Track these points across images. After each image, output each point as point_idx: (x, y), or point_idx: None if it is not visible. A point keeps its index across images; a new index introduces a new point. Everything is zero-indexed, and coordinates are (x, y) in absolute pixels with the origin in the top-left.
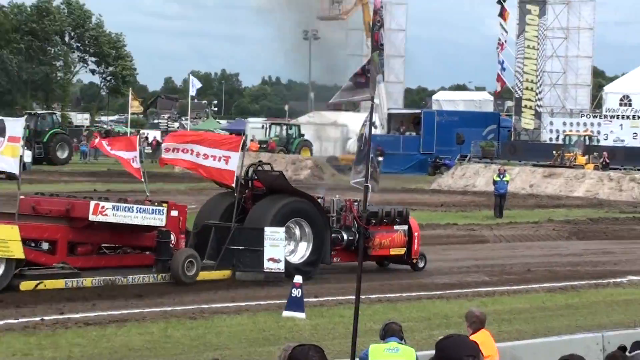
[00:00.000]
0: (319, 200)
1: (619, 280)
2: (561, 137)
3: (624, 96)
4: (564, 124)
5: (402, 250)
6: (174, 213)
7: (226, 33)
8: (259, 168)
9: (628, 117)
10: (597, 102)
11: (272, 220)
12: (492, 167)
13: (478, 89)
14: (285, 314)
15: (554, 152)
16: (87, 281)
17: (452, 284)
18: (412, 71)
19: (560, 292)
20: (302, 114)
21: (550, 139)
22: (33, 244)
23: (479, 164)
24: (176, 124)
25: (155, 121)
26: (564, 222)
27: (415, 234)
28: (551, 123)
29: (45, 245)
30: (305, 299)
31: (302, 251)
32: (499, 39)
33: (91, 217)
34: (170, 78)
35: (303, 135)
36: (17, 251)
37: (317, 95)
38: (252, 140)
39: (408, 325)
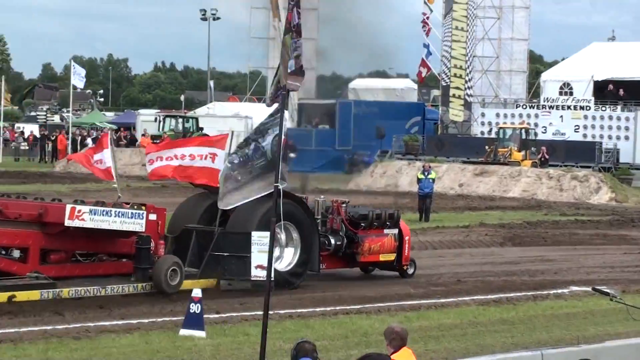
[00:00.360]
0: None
1: (559, 291)
2: (494, 130)
3: (564, 84)
4: (497, 115)
5: (392, 256)
6: (152, 217)
7: (113, 13)
8: None
9: (569, 107)
10: (534, 90)
11: (257, 223)
12: (417, 164)
13: (400, 76)
14: (183, 332)
15: (487, 147)
16: (65, 292)
17: (373, 297)
18: (326, 56)
19: (494, 305)
20: (200, 104)
21: (482, 133)
22: (3, 252)
23: (402, 160)
24: (56, 117)
25: (32, 113)
26: (498, 226)
27: (406, 238)
28: (483, 114)
29: (16, 253)
30: (205, 316)
31: (288, 258)
32: (424, 19)
33: (67, 222)
34: (50, 64)
35: (202, 128)
36: None
37: (217, 83)
38: (143, 135)
39: (322, 345)
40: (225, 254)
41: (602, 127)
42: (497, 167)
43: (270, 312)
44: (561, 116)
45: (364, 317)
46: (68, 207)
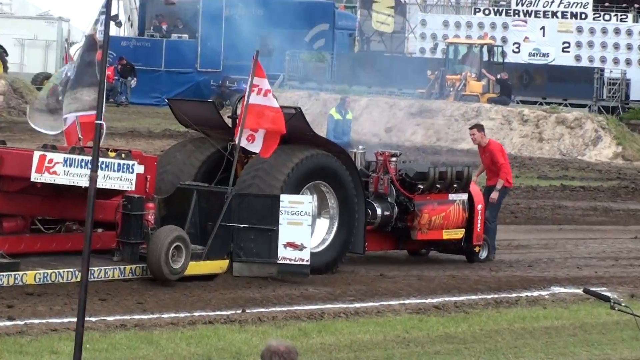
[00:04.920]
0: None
1: (536, 293)
2: (441, 47)
3: None
4: (446, 24)
5: (459, 233)
6: (139, 169)
7: None
8: None
9: (555, 14)
10: None
11: (283, 184)
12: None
13: None
14: None
15: (429, 72)
16: (29, 276)
17: (251, 299)
18: None
19: (436, 314)
20: None
21: (422, 51)
22: None
23: (300, 91)
24: None
25: None
26: None
27: (479, 207)
28: (423, 23)
29: None
30: None
31: (321, 233)
32: None
33: (34, 177)
34: None
35: None
36: None
37: None
38: None
39: None
40: (242, 225)
41: (604, 45)
42: (444, 103)
43: (93, 320)
44: (543, 28)
45: (237, 328)
46: (36, 154)
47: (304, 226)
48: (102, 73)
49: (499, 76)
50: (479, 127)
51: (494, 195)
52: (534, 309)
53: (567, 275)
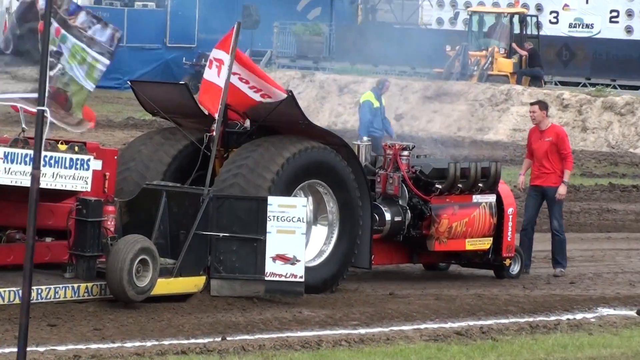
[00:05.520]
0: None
1: (580, 316)
2: (463, 17)
3: None
4: None
5: (486, 242)
6: (96, 165)
7: None
8: None
9: None
10: None
11: (271, 183)
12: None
13: None
14: None
15: (448, 48)
16: None
17: (232, 323)
18: None
19: (458, 342)
20: None
21: (440, 21)
22: None
23: (292, 70)
24: None
25: None
26: None
27: (509, 211)
28: None
29: None
30: None
31: (317, 243)
32: None
33: None
34: None
35: None
36: None
37: None
38: None
39: None
40: (221, 234)
41: None
42: (466, 84)
43: (40, 350)
44: None
45: (216, 359)
46: None
47: (296, 235)
48: (44, 49)
49: (526, 50)
50: (542, 105)
51: (562, 190)
52: (577, 335)
53: (617, 294)
